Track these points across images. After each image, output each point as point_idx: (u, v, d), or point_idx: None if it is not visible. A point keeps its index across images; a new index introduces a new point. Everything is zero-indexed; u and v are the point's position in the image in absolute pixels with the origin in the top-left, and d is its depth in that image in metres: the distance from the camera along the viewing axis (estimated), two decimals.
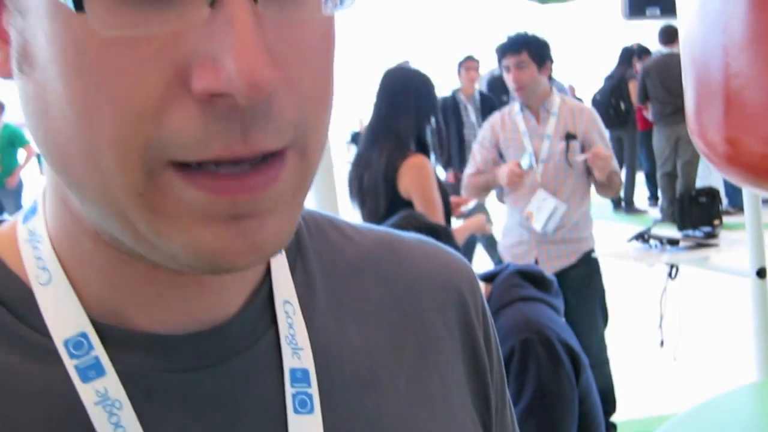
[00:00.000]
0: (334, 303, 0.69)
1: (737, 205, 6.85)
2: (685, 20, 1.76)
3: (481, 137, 4.12)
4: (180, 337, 0.59)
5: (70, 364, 0.54)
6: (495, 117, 4.10)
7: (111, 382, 0.55)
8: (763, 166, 1.60)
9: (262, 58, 0.45)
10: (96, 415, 0.54)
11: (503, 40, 3.93)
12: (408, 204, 3.13)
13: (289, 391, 0.62)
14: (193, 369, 0.59)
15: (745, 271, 2.88)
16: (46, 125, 0.50)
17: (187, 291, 0.58)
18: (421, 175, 3.23)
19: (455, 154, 6.75)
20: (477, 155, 4.04)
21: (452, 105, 6.92)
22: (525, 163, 3.75)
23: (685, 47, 1.76)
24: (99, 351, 0.55)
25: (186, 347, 0.59)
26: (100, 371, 0.55)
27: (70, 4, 0.43)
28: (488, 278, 2.41)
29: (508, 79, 3.91)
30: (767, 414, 2.34)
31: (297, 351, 0.64)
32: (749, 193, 2.80)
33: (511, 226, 4.03)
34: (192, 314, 0.59)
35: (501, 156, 3.93)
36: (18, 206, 8.63)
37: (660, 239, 4.19)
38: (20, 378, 0.54)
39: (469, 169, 4.07)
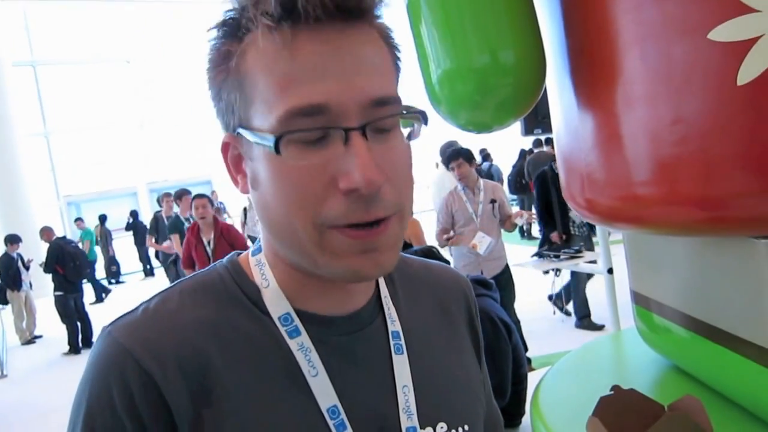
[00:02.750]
0: (406, 297, 0.74)
1: (594, 233, 6.96)
2: (557, 134, 1.82)
3: (442, 208, 4.36)
4: (337, 318, 0.65)
5: (282, 329, 0.62)
6: (448, 196, 4.35)
7: (305, 338, 0.62)
8: (606, 214, 1.72)
9: (373, 169, 0.53)
10: (298, 355, 0.61)
11: (450, 152, 4.30)
12: (409, 245, 3.28)
13: (391, 342, 0.68)
14: (344, 334, 0.65)
15: (600, 270, 2.97)
16: (267, 214, 0.59)
17: (338, 293, 0.66)
18: (416, 229, 3.49)
19: (558, 220, 5.01)
20: (441, 219, 4.23)
21: (552, 176, 4.98)
22: (482, 246, 3.98)
23: (557, 148, 1.83)
24: (297, 322, 0.63)
25: (340, 323, 0.65)
26: (298, 333, 0.62)
27: (272, 150, 0.53)
28: None
29: (455, 173, 4.24)
30: (616, 349, 2.41)
31: (393, 321, 0.70)
32: (600, 227, 2.88)
33: (460, 255, 4.29)
34: (341, 306, 0.66)
35: (453, 217, 4.14)
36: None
37: (549, 255, 4.30)
38: (256, 336, 0.62)
39: (438, 227, 4.31)
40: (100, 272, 12.16)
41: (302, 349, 0.61)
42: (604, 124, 1.59)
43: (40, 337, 8.82)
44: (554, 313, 5.41)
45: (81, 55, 19.60)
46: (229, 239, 5.22)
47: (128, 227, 13.32)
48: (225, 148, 0.62)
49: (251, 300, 0.64)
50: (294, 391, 0.60)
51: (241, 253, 0.70)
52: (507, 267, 4.23)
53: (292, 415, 0.59)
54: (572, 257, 4.08)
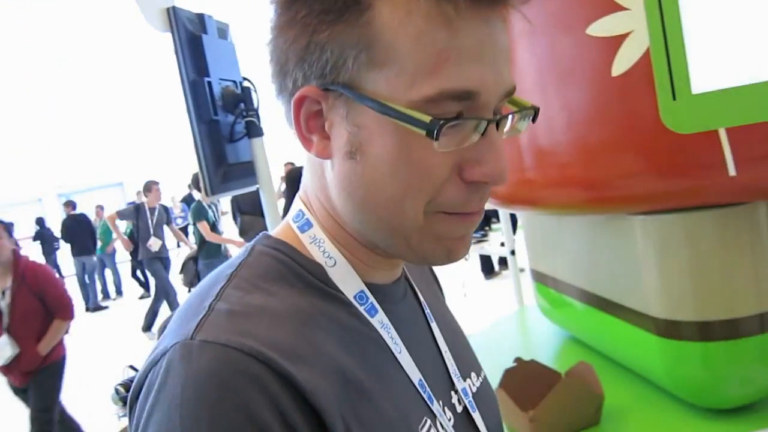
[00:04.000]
0: (406, 266, 0.72)
1: (497, 217, 7.12)
2: None
3: None
4: (389, 286, 0.63)
5: (361, 308, 0.57)
6: None
7: (382, 315, 0.58)
8: (504, 198, 1.84)
9: (506, 163, 0.51)
10: (383, 333, 0.57)
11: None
12: None
13: (426, 311, 0.68)
14: (398, 302, 0.63)
15: (504, 252, 3.09)
16: (366, 190, 0.52)
17: (389, 265, 0.62)
18: None
19: None
20: None
21: None
22: None
23: None
24: (371, 299, 0.58)
25: (393, 290, 0.63)
26: (375, 310, 0.58)
27: (423, 132, 0.47)
28: None
29: None
30: (520, 325, 2.57)
31: (417, 292, 0.70)
32: (503, 211, 3.01)
33: None
34: (392, 275, 0.63)
35: None
36: None
37: None
38: (344, 319, 0.55)
39: None
40: None
41: (384, 327, 0.58)
42: None
43: None
44: (465, 295, 5.58)
45: None
46: (37, 287, 3.43)
47: (36, 237, 12.62)
48: (300, 102, 0.52)
49: (321, 280, 0.56)
50: (393, 369, 0.57)
51: (269, 235, 0.61)
52: None
53: (403, 393, 0.57)
54: (479, 241, 4.24)
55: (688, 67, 0.70)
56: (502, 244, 3.39)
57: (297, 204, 0.61)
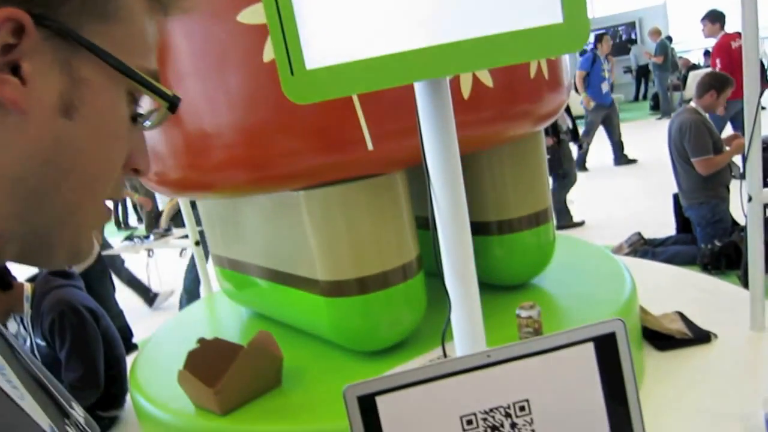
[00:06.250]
0: None
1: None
2: None
3: None
4: None
5: None
6: None
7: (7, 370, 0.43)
8: (175, 185, 1.80)
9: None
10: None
11: None
12: None
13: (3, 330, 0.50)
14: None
15: (186, 243, 3.02)
16: (76, 157, 0.42)
17: None
18: None
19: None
20: None
21: None
22: None
23: None
24: None
25: None
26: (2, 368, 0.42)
27: (165, 105, 0.44)
28: (30, 279, 2.29)
29: None
30: (209, 310, 2.56)
31: None
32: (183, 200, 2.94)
33: None
34: None
35: None
36: None
37: (139, 237, 4.02)
38: None
39: None
40: None
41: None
42: None
43: None
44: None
45: None
46: None
47: None
48: None
49: None
50: (17, 422, 0.41)
51: None
52: (100, 258, 3.56)
53: None
54: (162, 236, 3.98)
55: (301, 47, 0.82)
56: (185, 237, 3.28)
57: None
